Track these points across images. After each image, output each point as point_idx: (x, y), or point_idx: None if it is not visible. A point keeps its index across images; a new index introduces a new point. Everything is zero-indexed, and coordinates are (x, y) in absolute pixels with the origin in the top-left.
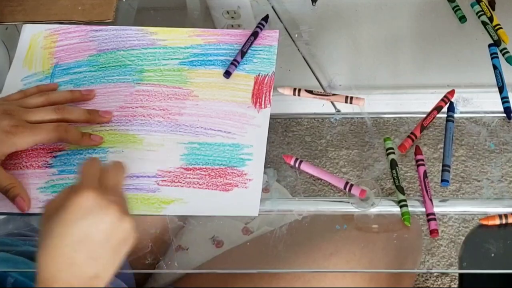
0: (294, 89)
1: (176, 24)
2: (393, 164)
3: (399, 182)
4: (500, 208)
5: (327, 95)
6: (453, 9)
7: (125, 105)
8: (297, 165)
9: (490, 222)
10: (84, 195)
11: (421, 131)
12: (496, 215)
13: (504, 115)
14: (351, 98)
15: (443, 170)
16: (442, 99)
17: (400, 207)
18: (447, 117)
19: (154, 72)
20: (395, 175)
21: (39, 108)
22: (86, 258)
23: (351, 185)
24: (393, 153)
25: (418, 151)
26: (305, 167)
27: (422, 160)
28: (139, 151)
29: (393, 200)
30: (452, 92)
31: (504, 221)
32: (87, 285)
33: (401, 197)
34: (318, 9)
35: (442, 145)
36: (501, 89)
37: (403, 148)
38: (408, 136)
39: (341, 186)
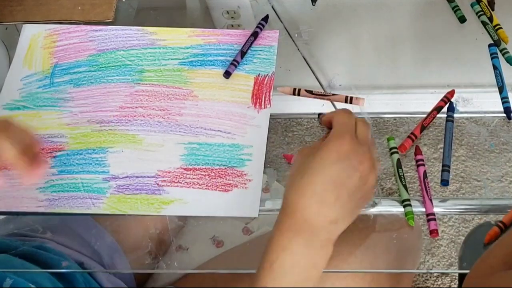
0: (294, 89)
1: (176, 24)
2: (399, 164)
3: (405, 182)
4: (500, 209)
5: (327, 95)
6: (452, 9)
7: (125, 105)
8: None
9: (494, 236)
10: (345, 139)
11: (421, 131)
12: (494, 226)
13: (504, 115)
14: (351, 98)
15: (443, 170)
16: (442, 99)
17: (404, 206)
18: (447, 117)
19: (154, 72)
20: (401, 174)
21: None
22: (334, 200)
23: None
24: (397, 152)
25: (418, 151)
26: None
27: (422, 160)
28: (139, 151)
29: (393, 200)
30: (452, 92)
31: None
32: (325, 228)
33: (406, 196)
34: (318, 9)
35: (442, 145)
36: (501, 89)
37: (403, 148)
38: (408, 136)
39: None
